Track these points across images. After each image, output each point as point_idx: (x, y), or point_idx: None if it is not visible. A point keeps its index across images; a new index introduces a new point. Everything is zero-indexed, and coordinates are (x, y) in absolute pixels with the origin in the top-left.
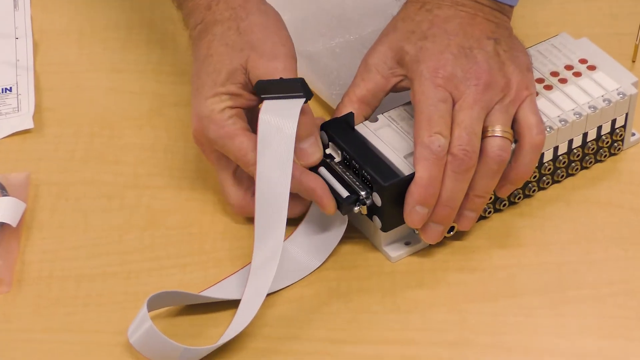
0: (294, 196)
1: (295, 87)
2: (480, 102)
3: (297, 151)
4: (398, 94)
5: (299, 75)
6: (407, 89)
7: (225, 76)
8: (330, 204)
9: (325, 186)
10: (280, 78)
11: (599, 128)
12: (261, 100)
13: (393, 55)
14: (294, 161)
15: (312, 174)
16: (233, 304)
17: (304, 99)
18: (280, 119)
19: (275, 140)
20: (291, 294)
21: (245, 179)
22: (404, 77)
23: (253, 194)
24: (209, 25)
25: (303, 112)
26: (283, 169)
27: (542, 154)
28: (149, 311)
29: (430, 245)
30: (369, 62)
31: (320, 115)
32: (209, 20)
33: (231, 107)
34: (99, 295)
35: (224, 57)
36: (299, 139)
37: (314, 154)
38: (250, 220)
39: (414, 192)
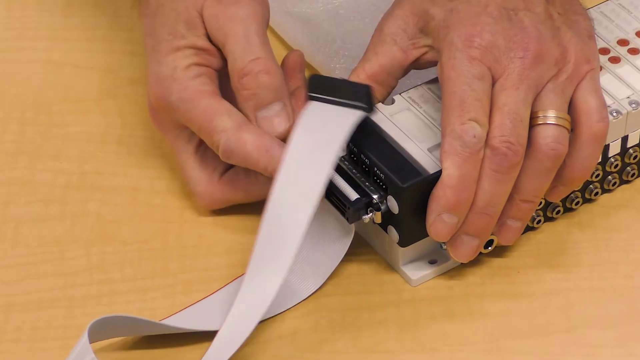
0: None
1: (357, 94)
2: (528, 79)
3: (258, 120)
4: (421, 71)
5: (293, 44)
6: (433, 64)
7: (184, 26)
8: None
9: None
10: (343, 79)
11: None
12: (307, 99)
13: (415, 20)
14: (253, 126)
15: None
16: (203, 337)
17: (361, 113)
18: (321, 135)
19: (307, 163)
20: (282, 327)
21: (211, 157)
22: (429, 48)
23: (221, 175)
24: None
25: (271, 67)
26: (306, 201)
27: (607, 146)
28: (92, 342)
29: (462, 265)
30: (384, 30)
31: None
32: None
33: (198, 64)
34: (34, 329)
35: (178, 4)
36: (258, 105)
37: (280, 125)
38: (229, 228)
39: (441, 196)
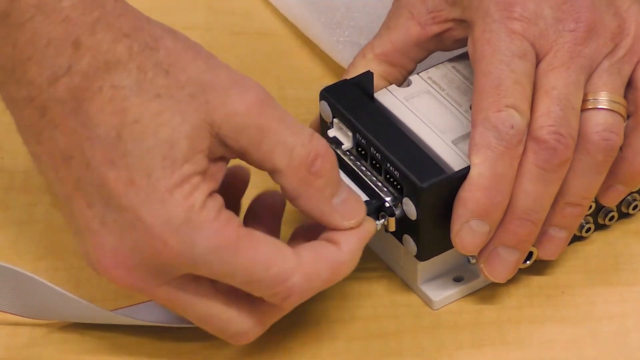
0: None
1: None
2: (580, 57)
3: (338, 209)
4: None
5: (287, 13)
6: (459, 44)
7: (187, 147)
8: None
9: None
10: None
11: None
12: None
13: None
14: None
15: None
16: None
17: None
18: None
19: None
20: (275, 359)
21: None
22: (456, 23)
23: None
24: (100, 72)
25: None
26: None
27: None
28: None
29: (494, 284)
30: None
31: (319, 76)
32: (91, 64)
33: (211, 194)
34: None
35: (168, 117)
36: (334, 191)
37: (361, 207)
38: None
39: (469, 199)
